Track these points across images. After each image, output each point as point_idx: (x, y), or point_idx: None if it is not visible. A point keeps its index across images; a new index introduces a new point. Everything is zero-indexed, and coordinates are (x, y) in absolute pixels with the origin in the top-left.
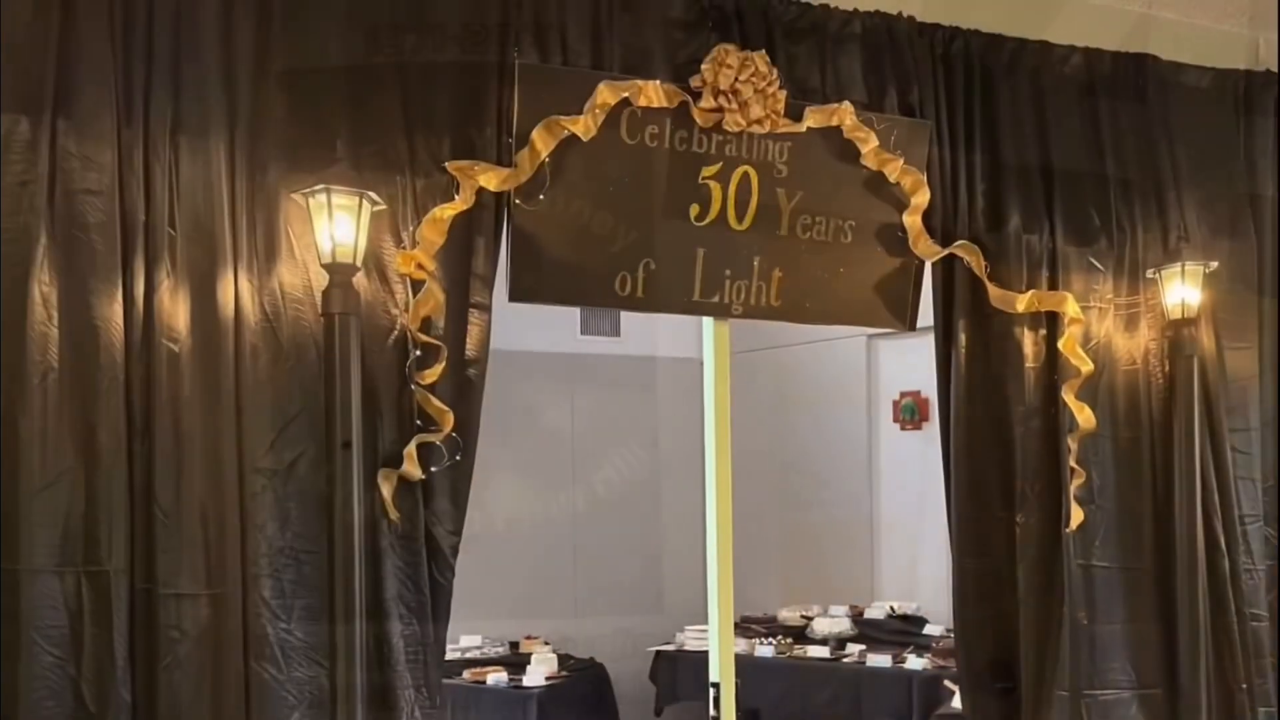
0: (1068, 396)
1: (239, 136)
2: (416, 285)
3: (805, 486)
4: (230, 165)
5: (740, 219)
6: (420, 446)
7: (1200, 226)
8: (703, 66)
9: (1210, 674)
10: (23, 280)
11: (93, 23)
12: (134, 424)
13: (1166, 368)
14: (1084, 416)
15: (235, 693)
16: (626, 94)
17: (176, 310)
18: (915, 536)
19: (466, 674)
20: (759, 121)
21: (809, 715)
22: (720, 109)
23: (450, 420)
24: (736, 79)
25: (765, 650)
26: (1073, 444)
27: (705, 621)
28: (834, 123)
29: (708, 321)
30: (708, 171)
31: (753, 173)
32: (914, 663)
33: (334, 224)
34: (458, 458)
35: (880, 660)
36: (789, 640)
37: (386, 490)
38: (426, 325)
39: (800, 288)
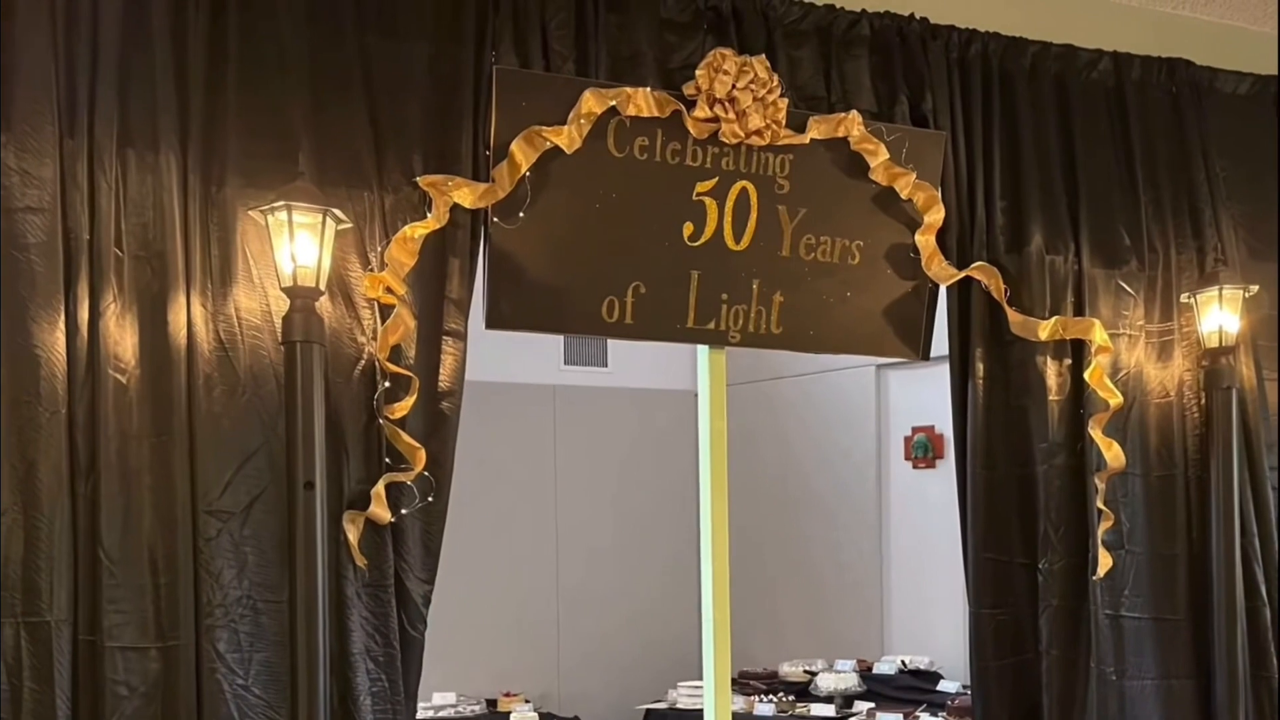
0: (1095, 432)
1: (192, 148)
2: (385, 311)
3: (809, 530)
4: (182, 179)
5: (738, 239)
6: (389, 486)
7: (1239, 246)
8: (697, 72)
9: None
10: None
11: (32, 20)
12: (77, 461)
13: (1202, 400)
14: (1112, 454)
15: None
16: (614, 102)
17: (124, 337)
18: (928, 584)
19: None
20: (758, 132)
21: None
22: (716, 119)
23: (422, 458)
24: (734, 86)
25: (765, 709)
26: (1100, 484)
27: (700, 677)
28: (840, 133)
29: (703, 350)
30: (703, 187)
31: (751, 188)
32: None
33: (295, 243)
34: (430, 499)
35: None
36: (791, 698)
37: (353, 534)
38: (396, 354)
39: (803, 313)
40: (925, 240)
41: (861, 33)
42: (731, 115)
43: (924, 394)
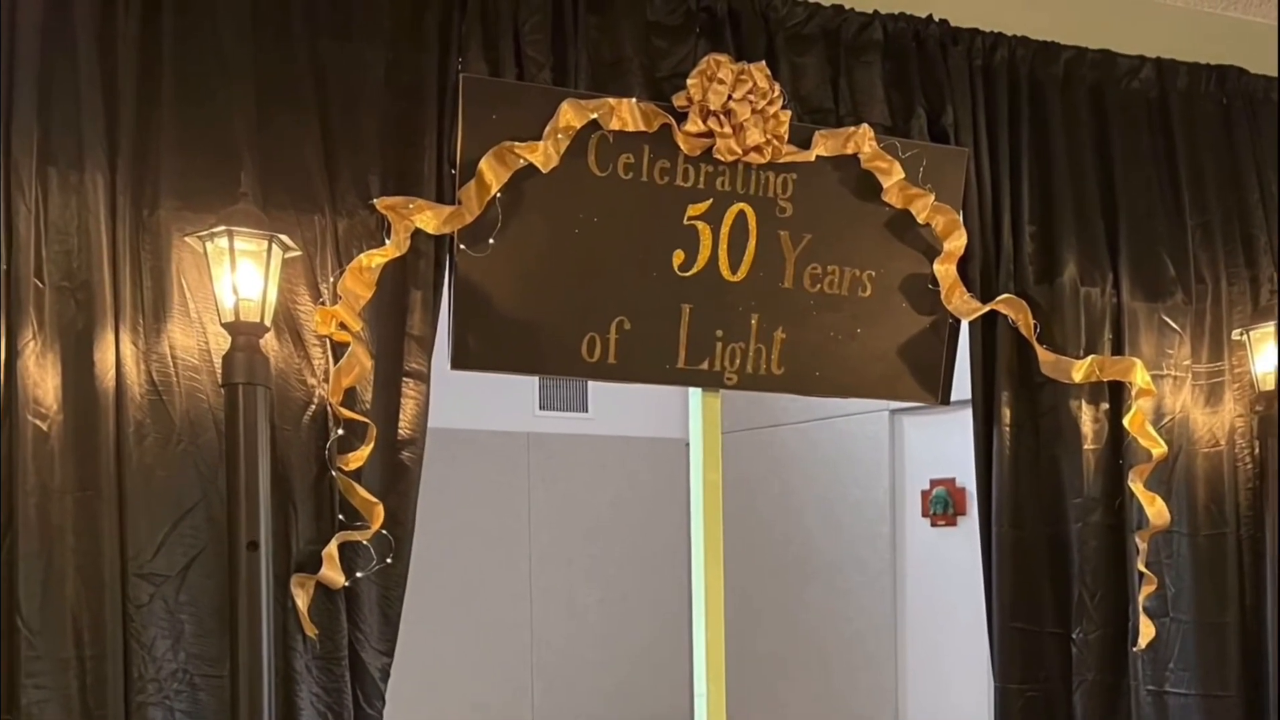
0: (1135, 485)
1: (121, 167)
2: (338, 349)
3: (813, 595)
4: (110, 202)
5: (735, 268)
6: (343, 547)
7: None
8: (689, 81)
9: None
10: None
11: None
12: None
13: (1256, 450)
14: (1155, 510)
15: None
16: (595, 115)
17: (44, 379)
18: (948, 657)
19: None
20: (757, 149)
21: None
22: (710, 133)
23: (380, 514)
24: (730, 97)
25: None
26: (1142, 543)
27: None
28: (849, 150)
29: (695, 393)
30: (695, 210)
31: (750, 211)
32: None
33: (237, 274)
34: (389, 560)
35: None
36: None
37: (302, 600)
38: (351, 398)
39: (808, 352)
40: (945, 270)
41: (873, 37)
42: (727, 129)
43: (944, 443)
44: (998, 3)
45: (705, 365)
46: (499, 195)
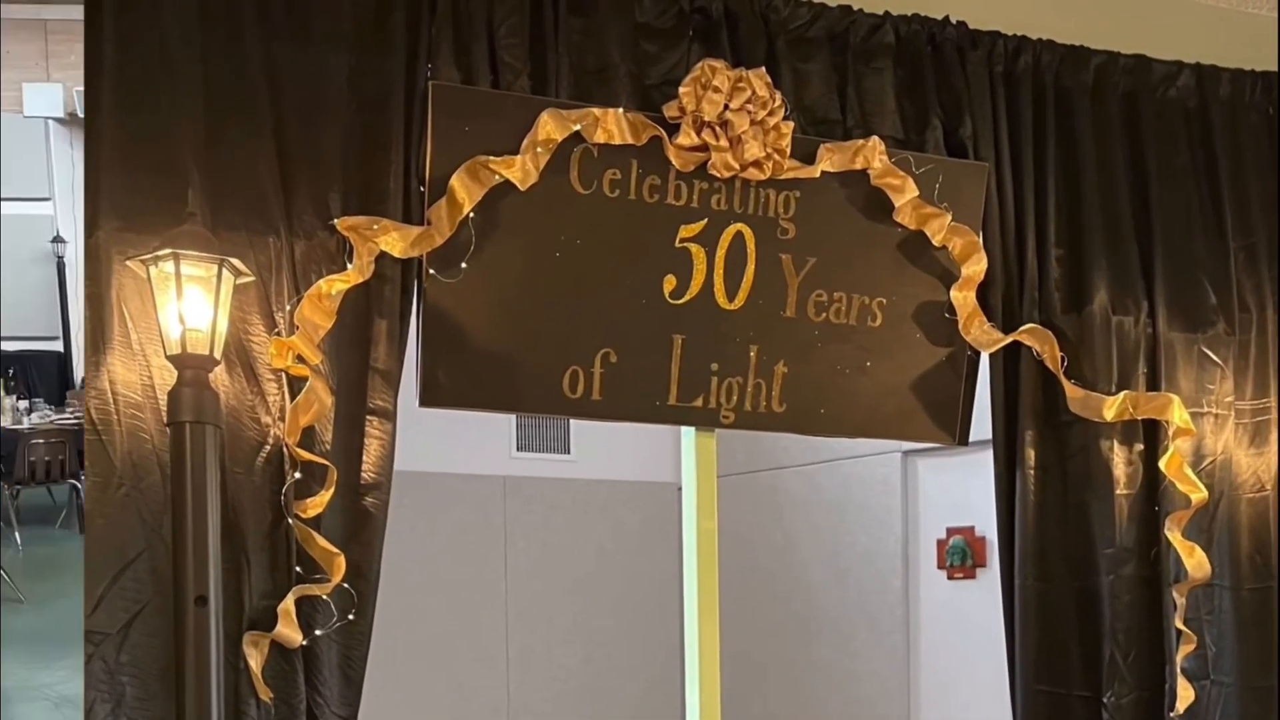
0: (1173, 534)
1: None
2: (296, 384)
3: (819, 655)
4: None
5: (731, 295)
6: (300, 602)
7: None
8: (681, 89)
9: None
10: None
11: None
12: None
13: None
14: (1194, 561)
15: None
16: (578, 126)
17: None
18: (966, 718)
19: None
20: (757, 164)
21: None
22: (705, 146)
23: (341, 566)
24: (726, 106)
25: None
26: (1179, 598)
27: None
28: (858, 165)
29: (688, 433)
30: (688, 231)
31: (748, 232)
32: None
33: (184, 301)
34: (351, 616)
35: None
36: None
37: (255, 660)
38: (309, 438)
39: (812, 388)
40: (963, 297)
41: (884, 40)
42: (723, 142)
43: (961, 488)
44: (1021, 3)
45: (699, 402)
46: (472, 215)
